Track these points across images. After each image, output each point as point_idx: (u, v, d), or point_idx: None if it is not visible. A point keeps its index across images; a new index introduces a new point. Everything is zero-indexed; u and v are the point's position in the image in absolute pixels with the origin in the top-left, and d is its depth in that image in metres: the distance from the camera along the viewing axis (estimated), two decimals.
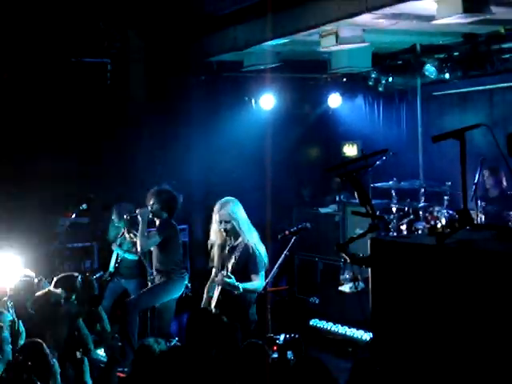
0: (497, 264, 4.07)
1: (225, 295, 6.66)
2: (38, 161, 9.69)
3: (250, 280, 6.61)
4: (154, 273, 8.04)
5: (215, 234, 6.90)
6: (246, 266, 6.62)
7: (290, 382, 4.10)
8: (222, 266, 6.74)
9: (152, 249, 8.03)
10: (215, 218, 6.84)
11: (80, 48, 9.80)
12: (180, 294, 8.06)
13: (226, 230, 6.77)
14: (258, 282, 6.62)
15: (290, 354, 6.16)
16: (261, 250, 6.73)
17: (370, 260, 4.87)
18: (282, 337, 6.30)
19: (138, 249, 7.94)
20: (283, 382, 4.70)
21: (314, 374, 3.96)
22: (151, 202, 7.95)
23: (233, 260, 6.56)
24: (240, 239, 6.69)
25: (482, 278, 4.12)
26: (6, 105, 9.37)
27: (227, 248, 6.81)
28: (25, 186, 9.56)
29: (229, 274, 6.50)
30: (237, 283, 6.48)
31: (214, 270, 7.04)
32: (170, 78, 10.39)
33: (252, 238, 6.74)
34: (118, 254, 8.64)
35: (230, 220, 6.73)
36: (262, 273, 6.68)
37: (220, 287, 6.70)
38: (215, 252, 6.96)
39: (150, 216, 7.91)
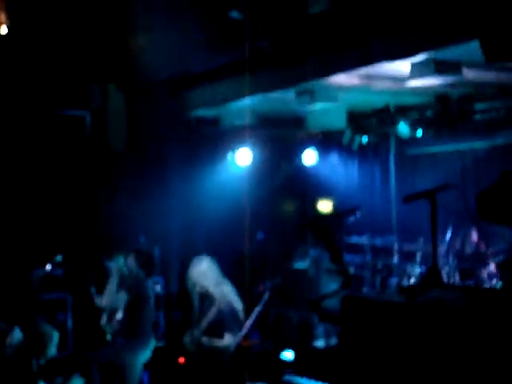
0: (464, 322, 4.13)
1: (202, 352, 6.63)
2: (13, 212, 9.67)
3: (222, 337, 6.64)
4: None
5: (191, 292, 6.92)
6: (220, 323, 6.64)
7: None
8: (198, 322, 6.74)
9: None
10: (188, 280, 6.87)
11: (59, 101, 9.90)
12: (146, 357, 7.92)
13: (198, 291, 6.80)
14: (231, 340, 6.64)
15: None
16: (236, 306, 6.73)
17: (341, 317, 4.91)
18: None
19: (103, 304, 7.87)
20: None
21: None
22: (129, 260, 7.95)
23: (207, 318, 6.58)
24: (213, 297, 6.71)
25: (450, 336, 4.18)
26: None
27: (203, 305, 6.81)
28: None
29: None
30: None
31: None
32: (148, 131, 10.49)
33: (225, 295, 6.75)
34: None
35: (200, 282, 6.75)
36: (236, 330, 6.70)
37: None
38: (194, 307, 6.96)
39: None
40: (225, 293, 6.78)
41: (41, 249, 9.74)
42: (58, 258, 8.98)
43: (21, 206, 9.73)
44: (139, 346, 7.71)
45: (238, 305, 6.83)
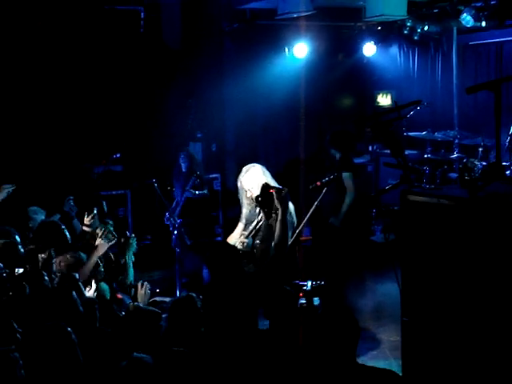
0: None
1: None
2: (71, 109, 9.74)
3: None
4: None
5: (243, 198, 6.85)
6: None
7: (317, 328, 4.16)
8: (249, 224, 6.71)
9: None
10: (239, 184, 6.80)
11: None
12: None
13: (251, 195, 6.74)
14: None
15: (316, 301, 6.18)
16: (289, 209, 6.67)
17: (400, 212, 4.85)
18: (309, 283, 6.30)
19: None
20: (311, 327, 4.75)
21: (341, 320, 3.99)
22: None
23: (258, 219, 6.54)
24: None
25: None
26: (39, 52, 9.39)
27: (256, 209, 6.76)
28: (59, 135, 9.64)
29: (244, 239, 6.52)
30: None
31: (239, 225, 6.99)
32: (203, 25, 10.32)
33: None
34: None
35: (253, 187, 6.69)
36: (289, 233, 6.65)
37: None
38: (244, 212, 6.92)
39: None
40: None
41: (100, 146, 9.85)
42: (117, 155, 9.03)
43: (76, 104, 9.79)
44: None
45: (290, 207, 6.75)
